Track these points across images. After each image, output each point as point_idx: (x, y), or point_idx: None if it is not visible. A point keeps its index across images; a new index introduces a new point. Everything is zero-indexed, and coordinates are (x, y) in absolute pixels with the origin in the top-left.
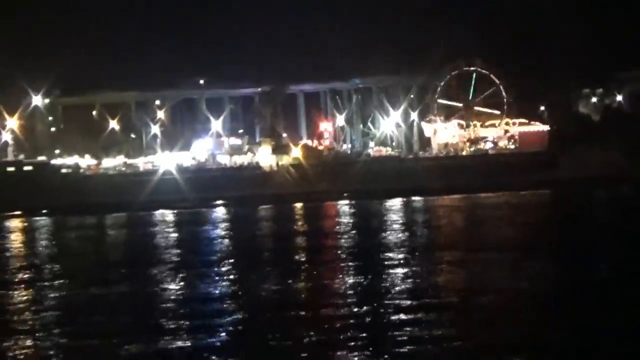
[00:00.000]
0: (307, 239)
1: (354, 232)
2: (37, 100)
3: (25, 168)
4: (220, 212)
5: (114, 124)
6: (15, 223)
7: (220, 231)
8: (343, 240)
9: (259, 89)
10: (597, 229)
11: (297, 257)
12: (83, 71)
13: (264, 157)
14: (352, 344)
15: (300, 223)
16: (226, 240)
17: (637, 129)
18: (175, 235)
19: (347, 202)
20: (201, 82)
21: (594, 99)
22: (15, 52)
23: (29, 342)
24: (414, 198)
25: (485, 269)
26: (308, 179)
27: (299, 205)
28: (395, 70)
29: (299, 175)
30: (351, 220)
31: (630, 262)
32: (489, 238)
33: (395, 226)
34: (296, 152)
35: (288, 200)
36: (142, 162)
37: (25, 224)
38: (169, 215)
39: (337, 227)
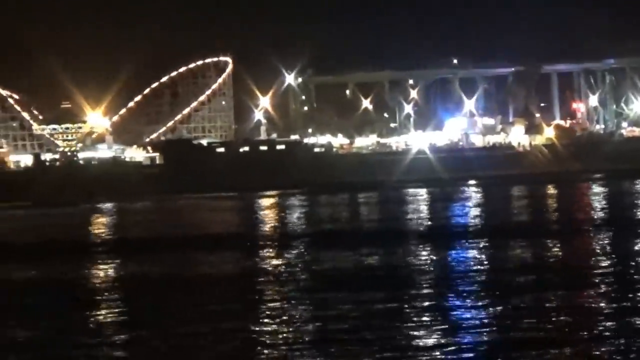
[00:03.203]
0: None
1: None
2: (290, 79)
3: (278, 147)
4: (478, 191)
5: (366, 103)
6: (284, 201)
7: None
8: None
9: (513, 69)
10: None
11: None
12: (336, 50)
13: (517, 137)
14: None
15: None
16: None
17: None
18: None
19: (604, 182)
20: (455, 61)
21: None
22: (269, 32)
23: None
24: None
25: None
26: (561, 159)
27: (553, 185)
28: None
29: (552, 155)
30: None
31: None
32: None
33: None
34: (549, 132)
35: (543, 179)
36: (395, 142)
37: (299, 202)
38: (435, 193)
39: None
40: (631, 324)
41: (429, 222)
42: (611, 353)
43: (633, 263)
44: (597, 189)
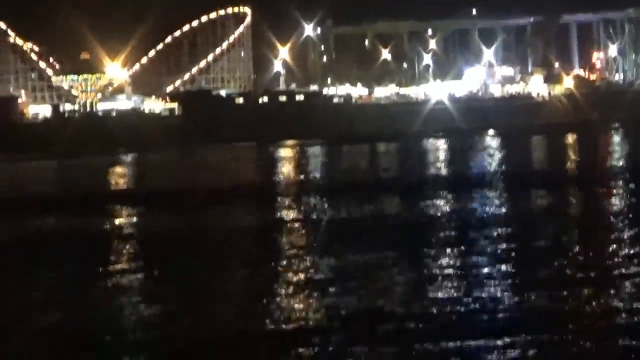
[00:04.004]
0: None
1: None
2: (309, 30)
3: (297, 98)
4: (496, 141)
5: (386, 54)
6: (303, 151)
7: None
8: None
9: (532, 19)
10: None
11: None
12: (355, 1)
13: (536, 87)
14: None
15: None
16: None
17: None
18: None
19: (622, 131)
20: (474, 12)
21: None
22: None
23: None
24: None
25: None
26: (580, 109)
27: (572, 134)
28: None
29: (571, 105)
30: None
31: None
32: None
33: None
34: (568, 83)
35: (561, 129)
36: (414, 92)
37: (321, 150)
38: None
39: None
40: None
41: (449, 172)
42: None
43: None
44: (615, 138)
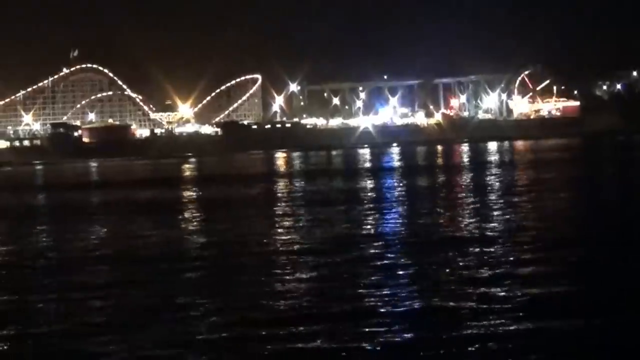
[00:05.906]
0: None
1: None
2: (294, 87)
3: (287, 125)
4: (398, 149)
5: (336, 100)
6: (290, 156)
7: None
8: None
9: (417, 81)
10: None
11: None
12: (319, 70)
13: (420, 119)
14: None
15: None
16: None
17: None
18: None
19: (468, 144)
20: (385, 77)
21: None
22: (282, 60)
23: None
24: (505, 143)
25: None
26: (444, 132)
27: (440, 145)
28: (494, 69)
29: (439, 129)
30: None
31: None
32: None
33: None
34: (438, 116)
35: (434, 143)
36: (352, 122)
37: (295, 157)
38: (371, 151)
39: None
40: None
41: (372, 164)
42: None
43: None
44: (464, 147)
